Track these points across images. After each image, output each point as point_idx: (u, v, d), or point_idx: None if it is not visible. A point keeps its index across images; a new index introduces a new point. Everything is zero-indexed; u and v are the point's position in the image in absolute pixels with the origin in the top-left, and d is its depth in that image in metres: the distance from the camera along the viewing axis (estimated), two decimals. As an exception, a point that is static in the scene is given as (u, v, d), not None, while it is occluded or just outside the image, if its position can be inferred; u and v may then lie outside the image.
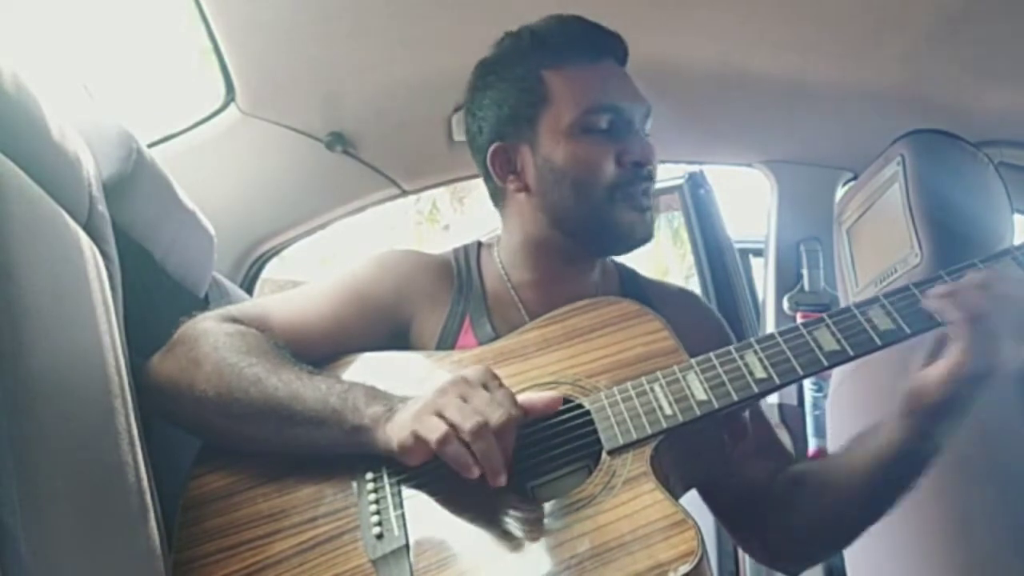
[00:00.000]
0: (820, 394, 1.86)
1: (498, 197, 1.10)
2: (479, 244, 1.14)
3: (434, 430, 0.77)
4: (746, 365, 0.87)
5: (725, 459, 0.94)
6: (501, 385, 0.83)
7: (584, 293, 1.04)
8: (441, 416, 0.78)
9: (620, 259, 1.16)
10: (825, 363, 0.86)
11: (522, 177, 1.04)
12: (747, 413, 0.97)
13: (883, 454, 0.88)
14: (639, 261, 1.17)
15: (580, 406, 0.88)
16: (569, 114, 1.00)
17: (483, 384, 0.82)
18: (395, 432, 0.81)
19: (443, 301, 1.06)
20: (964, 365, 0.79)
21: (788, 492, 0.99)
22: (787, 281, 1.96)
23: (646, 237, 1.03)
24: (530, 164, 1.03)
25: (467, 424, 0.76)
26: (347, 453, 0.85)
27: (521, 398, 0.84)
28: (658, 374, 0.88)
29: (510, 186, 1.05)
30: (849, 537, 0.99)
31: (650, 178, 1.03)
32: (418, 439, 0.78)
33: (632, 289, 1.12)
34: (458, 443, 0.77)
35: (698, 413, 0.84)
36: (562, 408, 0.87)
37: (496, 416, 0.77)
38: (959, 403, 0.81)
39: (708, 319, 1.15)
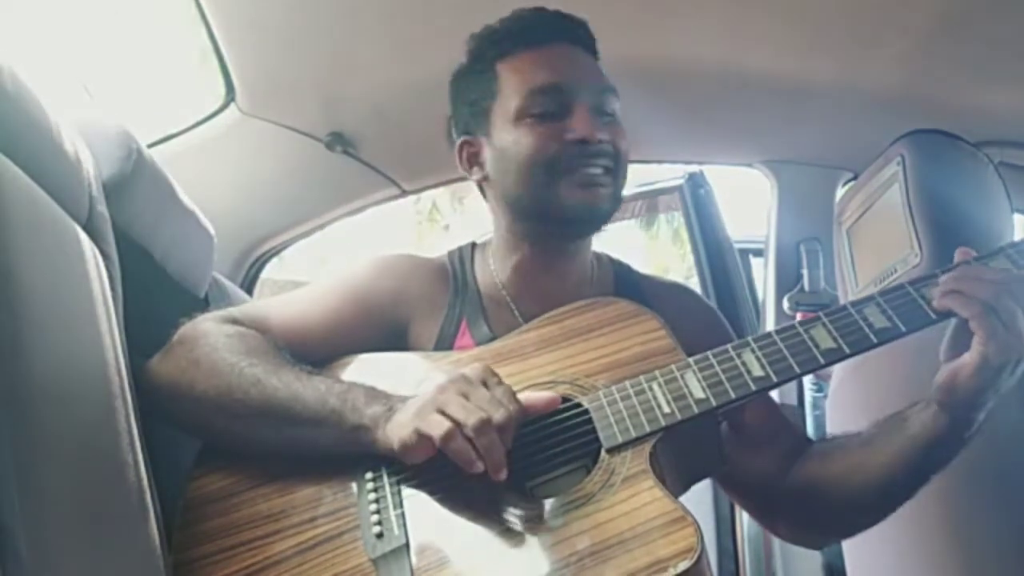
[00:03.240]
0: (820, 394, 1.86)
1: (483, 194, 1.11)
2: (473, 245, 1.15)
3: (438, 426, 0.78)
4: (743, 364, 0.87)
5: (724, 457, 0.95)
6: (500, 382, 0.83)
7: (574, 289, 1.05)
8: (444, 413, 0.79)
9: (617, 259, 1.16)
10: (822, 361, 0.86)
11: (484, 168, 1.06)
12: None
13: (915, 444, 0.89)
14: (639, 262, 1.16)
15: (579, 405, 0.88)
16: (514, 100, 1.02)
17: (483, 381, 0.82)
18: (396, 431, 0.81)
19: (440, 304, 1.06)
20: (988, 357, 0.80)
21: (807, 478, 1.00)
22: (787, 281, 1.95)
23: (599, 212, 1.01)
24: (488, 155, 1.05)
25: (470, 420, 0.77)
26: (347, 453, 0.86)
27: (520, 396, 0.84)
28: (656, 373, 0.88)
29: (474, 177, 1.08)
30: (868, 523, 1.00)
31: (601, 155, 0.99)
32: (421, 436, 0.79)
33: (627, 285, 1.11)
34: (462, 439, 0.77)
35: (696, 411, 0.85)
36: (561, 407, 0.88)
37: (498, 414, 0.78)
38: (990, 393, 0.83)
39: (704, 313, 1.15)
